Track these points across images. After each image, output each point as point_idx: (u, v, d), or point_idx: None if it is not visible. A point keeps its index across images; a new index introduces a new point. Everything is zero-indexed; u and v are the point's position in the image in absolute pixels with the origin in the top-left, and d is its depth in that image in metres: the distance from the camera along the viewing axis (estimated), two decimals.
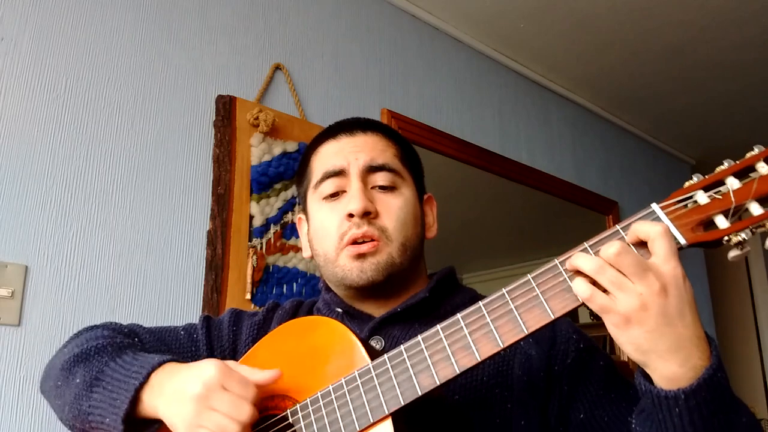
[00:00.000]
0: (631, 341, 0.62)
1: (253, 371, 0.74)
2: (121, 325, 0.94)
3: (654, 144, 3.60)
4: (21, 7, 1.46)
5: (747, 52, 2.75)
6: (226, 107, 1.73)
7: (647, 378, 0.64)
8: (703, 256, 3.79)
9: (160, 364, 0.76)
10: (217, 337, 0.95)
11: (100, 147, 1.52)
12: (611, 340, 0.65)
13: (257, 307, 1.66)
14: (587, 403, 0.79)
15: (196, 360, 0.92)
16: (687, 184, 0.67)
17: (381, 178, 0.89)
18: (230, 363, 0.75)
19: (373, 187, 0.89)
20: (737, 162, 0.65)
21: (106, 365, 0.79)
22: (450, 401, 0.80)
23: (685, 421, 0.60)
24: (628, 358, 0.64)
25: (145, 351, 0.89)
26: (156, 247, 1.56)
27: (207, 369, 0.72)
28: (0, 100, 1.40)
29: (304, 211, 0.97)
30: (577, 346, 0.83)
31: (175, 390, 0.72)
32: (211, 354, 0.94)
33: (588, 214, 2.97)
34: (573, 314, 0.66)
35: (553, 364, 0.82)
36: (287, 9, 1.98)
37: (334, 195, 0.90)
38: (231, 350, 0.94)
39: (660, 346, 0.61)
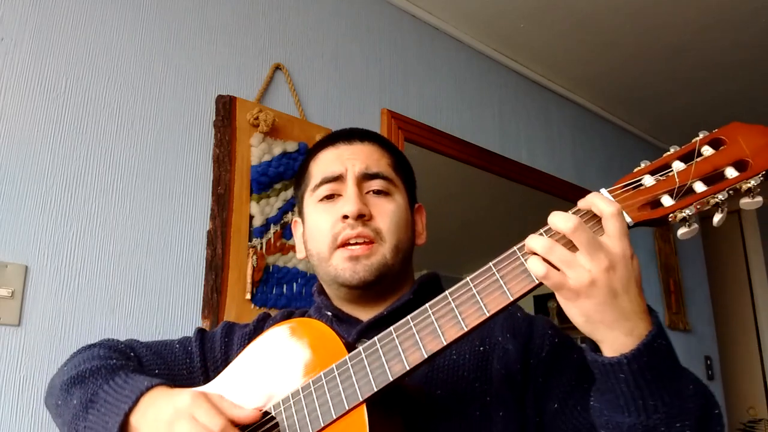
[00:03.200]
0: (581, 312, 0.66)
1: (232, 406, 0.77)
2: (118, 341, 0.98)
3: (654, 144, 3.60)
4: (21, 7, 1.46)
5: (747, 52, 2.75)
6: (226, 107, 1.73)
7: (596, 351, 0.68)
8: (703, 256, 3.79)
9: (148, 389, 0.79)
10: (210, 349, 0.99)
11: (100, 147, 1.52)
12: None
13: (257, 308, 1.66)
14: (561, 394, 0.83)
15: (191, 371, 0.97)
16: (636, 169, 0.70)
17: (375, 185, 0.94)
18: (213, 396, 0.78)
19: (367, 192, 0.94)
20: (682, 147, 0.69)
21: (100, 388, 0.83)
22: (432, 395, 0.84)
23: (631, 386, 0.64)
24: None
25: (141, 368, 0.93)
26: (156, 247, 1.56)
27: (182, 397, 0.75)
28: (0, 100, 1.40)
29: (300, 213, 1.01)
30: (552, 341, 0.87)
31: (155, 416, 0.76)
32: (204, 365, 0.97)
33: None
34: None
35: (530, 358, 0.86)
36: (287, 9, 1.98)
37: (330, 197, 0.94)
38: (223, 362, 0.97)
39: (607, 317, 0.64)
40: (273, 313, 1.07)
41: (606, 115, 3.27)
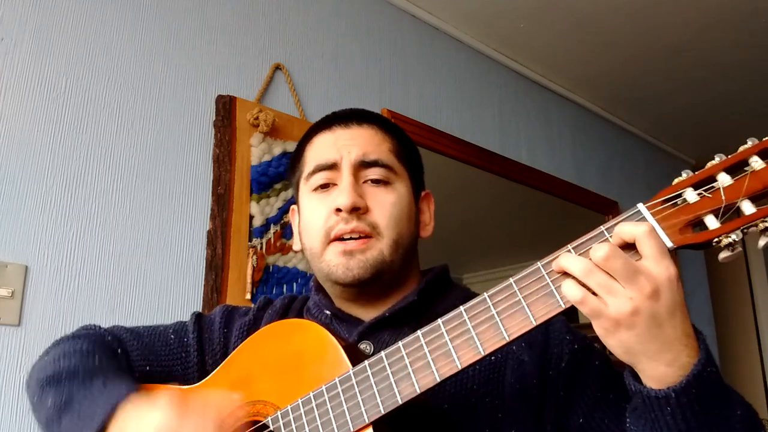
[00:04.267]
0: (621, 344, 0.60)
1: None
2: (103, 331, 0.92)
3: (654, 144, 3.60)
4: (21, 7, 1.46)
5: (747, 52, 2.75)
6: (226, 107, 1.73)
7: (636, 378, 0.63)
8: (703, 256, 3.79)
9: (126, 395, 0.75)
10: (209, 339, 0.94)
11: (100, 147, 1.52)
12: None
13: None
14: (585, 407, 0.77)
15: (186, 367, 0.91)
16: (676, 180, 0.63)
17: (373, 173, 0.86)
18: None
19: (365, 182, 0.86)
20: (729, 156, 0.61)
21: (77, 392, 0.78)
22: (438, 410, 0.79)
23: (678, 419, 0.59)
24: None
25: (129, 363, 0.88)
26: (156, 247, 1.56)
27: (153, 419, 0.70)
28: (0, 100, 1.40)
29: (297, 201, 0.95)
30: (571, 348, 0.81)
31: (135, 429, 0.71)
32: (202, 359, 0.92)
33: (588, 214, 2.97)
34: (572, 313, 0.65)
35: (548, 369, 0.80)
36: (287, 9, 1.98)
37: (325, 186, 0.87)
38: (222, 353, 0.92)
39: (649, 348, 0.59)
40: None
41: (606, 115, 3.27)
